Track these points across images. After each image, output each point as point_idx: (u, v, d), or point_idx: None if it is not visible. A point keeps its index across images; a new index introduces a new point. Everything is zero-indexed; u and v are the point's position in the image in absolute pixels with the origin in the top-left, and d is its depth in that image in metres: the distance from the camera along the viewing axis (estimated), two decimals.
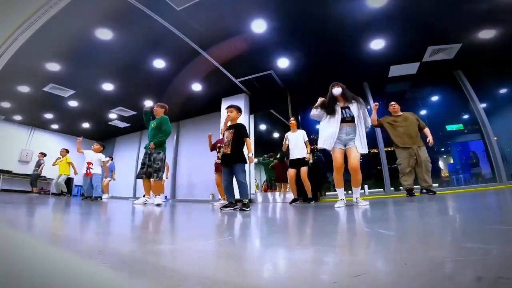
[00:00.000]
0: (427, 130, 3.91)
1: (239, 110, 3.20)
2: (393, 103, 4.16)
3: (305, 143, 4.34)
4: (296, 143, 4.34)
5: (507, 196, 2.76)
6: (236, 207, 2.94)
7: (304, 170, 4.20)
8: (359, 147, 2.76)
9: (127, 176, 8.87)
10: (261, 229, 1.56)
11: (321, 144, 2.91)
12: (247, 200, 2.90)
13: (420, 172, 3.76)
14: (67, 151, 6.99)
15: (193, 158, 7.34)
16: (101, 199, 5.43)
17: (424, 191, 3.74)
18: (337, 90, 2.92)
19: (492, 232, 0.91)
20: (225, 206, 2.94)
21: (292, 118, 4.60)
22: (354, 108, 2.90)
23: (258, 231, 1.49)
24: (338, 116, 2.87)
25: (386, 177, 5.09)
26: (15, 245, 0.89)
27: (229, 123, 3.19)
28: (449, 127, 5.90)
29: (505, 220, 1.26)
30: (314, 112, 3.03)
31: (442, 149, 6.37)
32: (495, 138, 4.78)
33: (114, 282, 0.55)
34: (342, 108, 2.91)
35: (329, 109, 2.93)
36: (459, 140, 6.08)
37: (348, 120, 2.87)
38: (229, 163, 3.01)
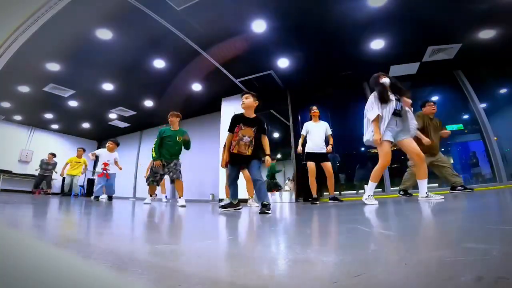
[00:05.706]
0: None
1: (256, 97, 2.78)
2: (432, 103, 3.83)
3: (328, 136, 4.08)
4: (319, 135, 4.02)
5: (507, 196, 2.76)
6: (238, 208, 2.71)
7: (329, 165, 3.92)
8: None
9: (127, 176, 8.86)
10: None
11: (369, 137, 2.76)
12: (268, 202, 2.44)
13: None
14: (84, 150, 6.94)
15: (193, 158, 7.32)
16: (108, 199, 5.26)
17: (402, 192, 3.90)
18: (386, 80, 2.75)
19: (492, 232, 0.91)
20: (225, 206, 2.70)
21: (315, 107, 4.20)
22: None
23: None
24: (391, 106, 2.66)
25: (386, 178, 5.08)
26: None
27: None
28: (449, 127, 5.86)
29: (505, 220, 1.26)
30: (371, 110, 2.77)
31: (442, 149, 6.34)
32: (495, 138, 4.78)
33: (114, 282, 0.55)
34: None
35: (385, 97, 2.68)
36: (459, 140, 6.07)
37: (397, 113, 2.70)
38: (243, 163, 2.76)
